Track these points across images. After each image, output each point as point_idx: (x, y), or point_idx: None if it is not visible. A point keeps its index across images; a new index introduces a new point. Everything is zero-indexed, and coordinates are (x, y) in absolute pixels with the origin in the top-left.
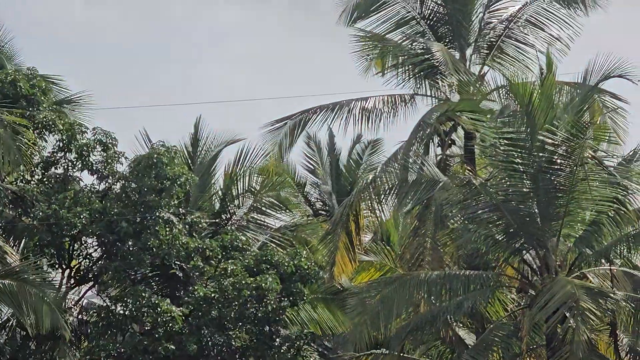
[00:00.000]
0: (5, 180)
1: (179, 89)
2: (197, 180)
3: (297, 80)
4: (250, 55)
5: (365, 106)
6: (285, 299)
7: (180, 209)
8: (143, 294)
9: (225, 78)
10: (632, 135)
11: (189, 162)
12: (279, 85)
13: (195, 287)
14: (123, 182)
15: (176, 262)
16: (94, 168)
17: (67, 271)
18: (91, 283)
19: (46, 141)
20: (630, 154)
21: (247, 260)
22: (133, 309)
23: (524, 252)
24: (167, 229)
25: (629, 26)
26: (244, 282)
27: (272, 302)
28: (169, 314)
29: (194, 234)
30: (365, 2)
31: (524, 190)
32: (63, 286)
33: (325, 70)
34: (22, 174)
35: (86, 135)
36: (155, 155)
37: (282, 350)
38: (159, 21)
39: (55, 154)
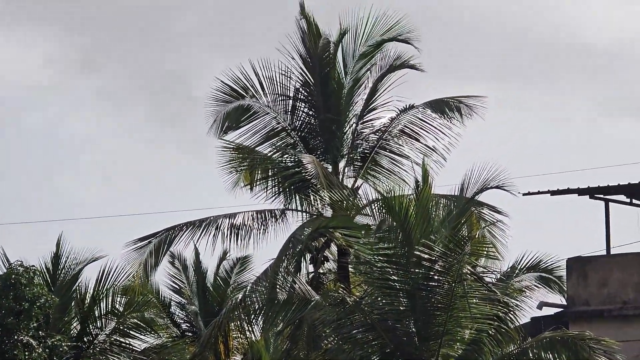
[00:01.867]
0: None
1: (39, 205)
2: (57, 301)
3: (162, 195)
4: (112, 169)
5: (234, 222)
6: None
7: (40, 332)
8: None
9: (86, 192)
10: (512, 250)
11: (50, 282)
12: (144, 200)
13: None
14: None
15: None
16: None
17: None
18: None
19: None
20: (509, 269)
21: None
22: None
23: None
24: (26, 353)
25: (507, 132)
26: None
27: None
28: None
29: (55, 358)
30: (236, 113)
31: (401, 308)
32: None
33: (192, 185)
34: None
35: None
36: (13, 276)
37: None
38: (12, 132)
39: None
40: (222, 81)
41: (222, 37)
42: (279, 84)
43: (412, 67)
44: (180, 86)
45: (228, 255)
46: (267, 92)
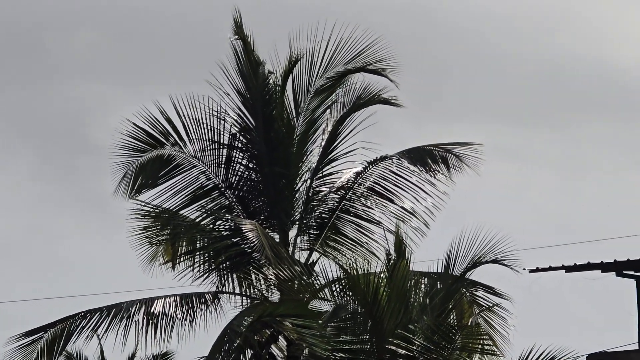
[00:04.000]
0: None
1: None
2: None
3: (56, 274)
4: None
5: (151, 310)
6: None
7: None
8: None
9: None
10: (515, 343)
11: None
12: (31, 282)
13: None
14: None
15: None
16: None
17: None
18: None
19: None
20: None
21: None
22: None
23: None
24: None
25: (508, 191)
26: None
27: None
28: None
29: None
30: (153, 166)
31: None
32: None
33: (95, 261)
34: None
35: None
36: None
37: None
38: None
39: None
40: (133, 124)
41: (130, 64)
42: (209, 127)
43: (386, 102)
44: (74, 130)
45: (137, 349)
46: (193, 138)
